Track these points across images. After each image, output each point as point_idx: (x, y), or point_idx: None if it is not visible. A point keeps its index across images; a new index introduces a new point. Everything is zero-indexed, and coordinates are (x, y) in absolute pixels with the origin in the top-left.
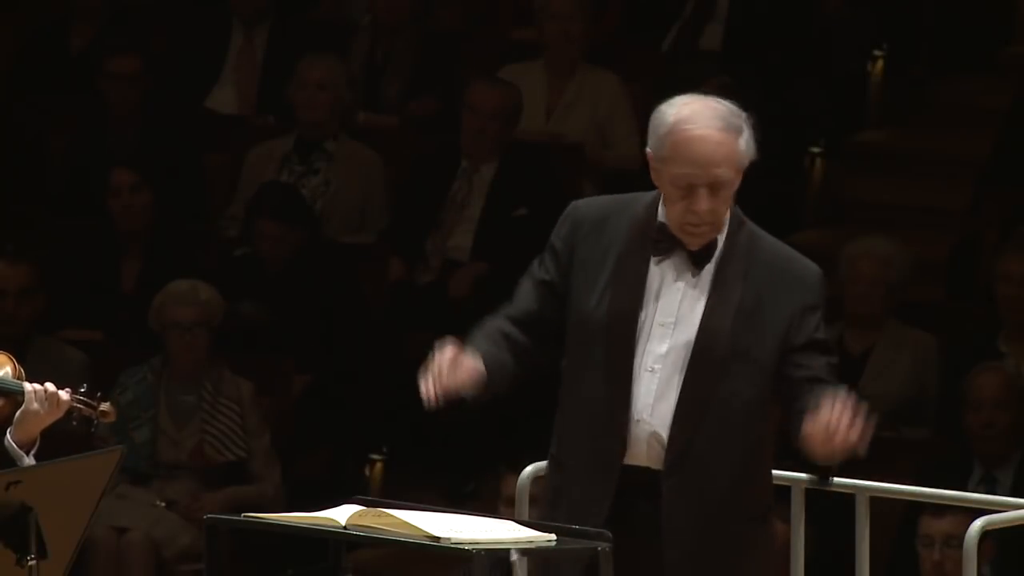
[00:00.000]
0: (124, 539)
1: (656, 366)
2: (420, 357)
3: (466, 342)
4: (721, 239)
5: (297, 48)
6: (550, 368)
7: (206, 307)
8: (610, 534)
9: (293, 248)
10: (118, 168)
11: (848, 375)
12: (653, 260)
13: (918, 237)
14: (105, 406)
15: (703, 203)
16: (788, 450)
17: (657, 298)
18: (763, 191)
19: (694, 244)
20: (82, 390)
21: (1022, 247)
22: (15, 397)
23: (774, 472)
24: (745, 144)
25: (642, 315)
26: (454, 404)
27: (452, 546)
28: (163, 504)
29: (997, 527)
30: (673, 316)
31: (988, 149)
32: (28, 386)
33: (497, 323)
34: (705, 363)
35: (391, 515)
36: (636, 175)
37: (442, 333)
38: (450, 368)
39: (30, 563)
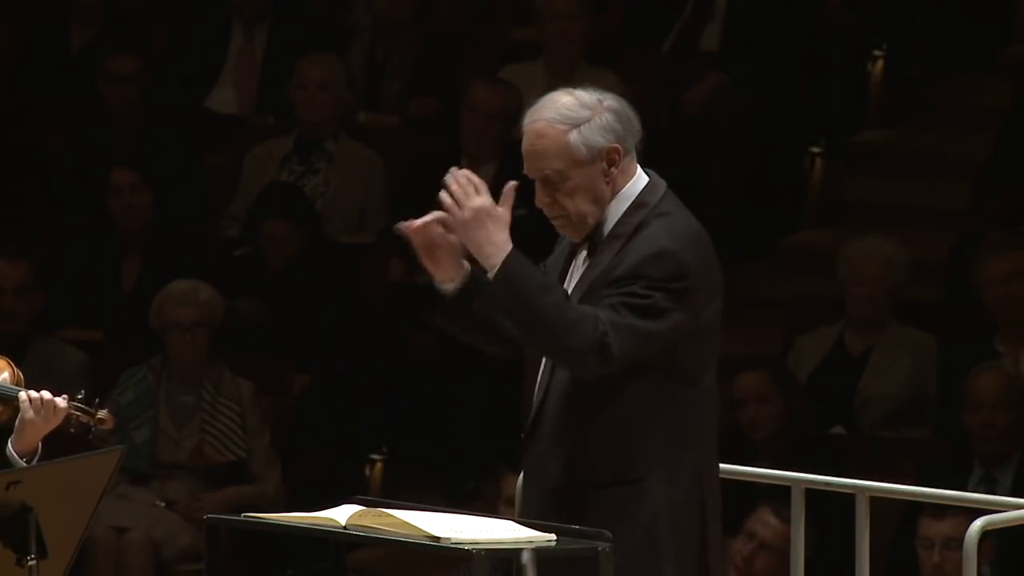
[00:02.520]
0: (124, 539)
1: None
2: (420, 357)
3: None
4: (610, 225)
5: (297, 48)
6: None
7: (206, 307)
8: (610, 534)
9: (297, 248)
10: (118, 168)
11: (848, 375)
12: (575, 258)
13: (918, 237)
14: (103, 413)
15: (538, 197)
16: (788, 449)
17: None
18: (763, 191)
19: (571, 237)
20: (79, 397)
21: (1000, 249)
22: (13, 403)
23: (773, 472)
24: (582, 136)
25: None
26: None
27: (452, 546)
28: (163, 504)
29: (997, 527)
30: None
31: (988, 149)
32: (24, 393)
33: None
34: None
35: (391, 515)
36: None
37: (442, 333)
38: (442, 225)
39: (30, 563)
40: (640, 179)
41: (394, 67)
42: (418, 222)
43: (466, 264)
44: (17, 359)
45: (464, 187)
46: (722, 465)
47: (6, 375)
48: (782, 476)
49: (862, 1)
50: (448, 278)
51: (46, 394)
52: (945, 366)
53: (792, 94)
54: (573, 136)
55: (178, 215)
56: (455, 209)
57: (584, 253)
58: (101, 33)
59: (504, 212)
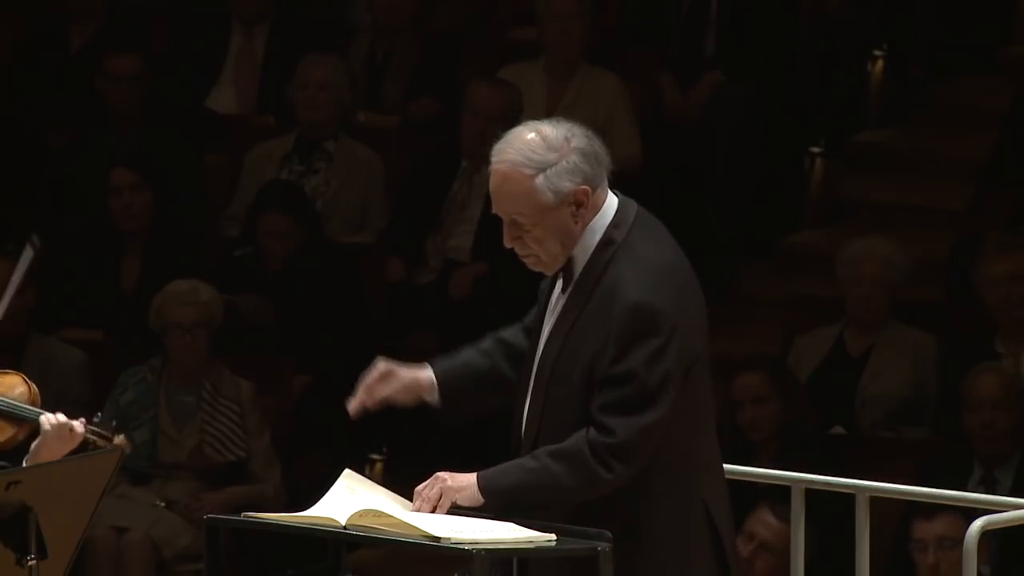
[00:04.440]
0: (124, 539)
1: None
2: (420, 357)
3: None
4: (581, 262)
5: (297, 48)
6: None
7: (206, 307)
8: (610, 534)
9: (296, 245)
10: (118, 168)
11: (848, 375)
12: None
13: (918, 237)
14: (119, 439)
15: (506, 238)
16: (788, 449)
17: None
18: (763, 191)
19: (545, 272)
20: (96, 420)
21: (1002, 249)
22: (30, 424)
23: (773, 472)
24: (549, 182)
25: (540, 344)
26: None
27: (452, 546)
28: (163, 504)
29: (997, 527)
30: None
31: (988, 149)
32: (44, 417)
33: (503, 331)
34: (538, 386)
35: (391, 515)
36: (637, 176)
37: (442, 333)
38: (378, 380)
39: (30, 563)
40: (608, 209)
41: (394, 67)
42: (356, 403)
43: (427, 373)
44: (16, 358)
45: (426, 501)
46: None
47: (22, 390)
48: (782, 476)
49: (862, 1)
50: (428, 395)
51: (62, 417)
52: (945, 366)
53: (792, 94)
54: (539, 181)
55: (178, 215)
56: (442, 503)
57: (559, 285)
58: (100, 33)
59: (442, 478)
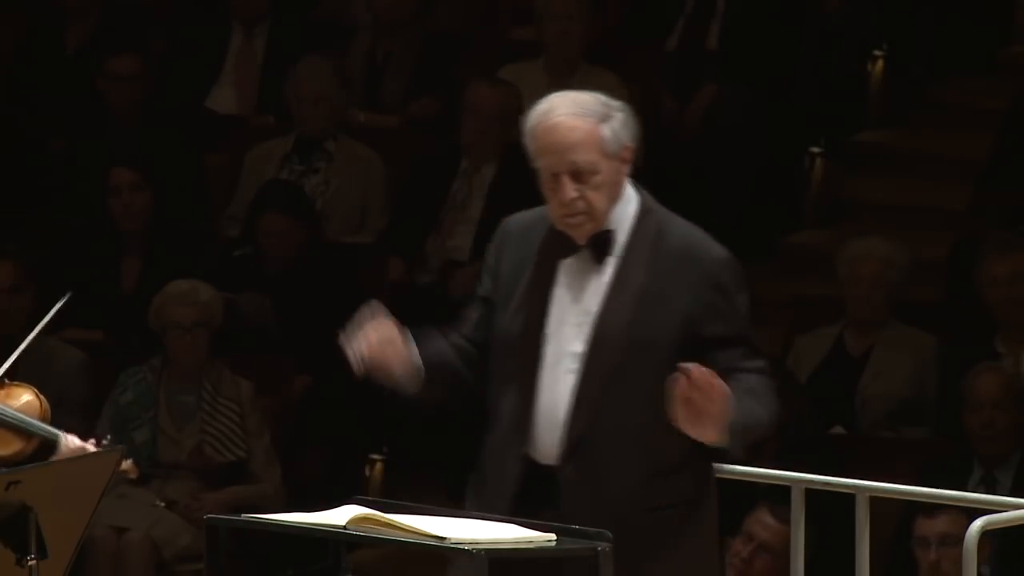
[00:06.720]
0: (124, 539)
1: (574, 366)
2: None
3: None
4: (623, 230)
5: (297, 48)
6: None
7: (206, 307)
8: (610, 534)
9: (296, 245)
10: (118, 168)
11: (848, 375)
12: (562, 264)
13: (918, 237)
14: (127, 464)
15: (567, 191)
16: (788, 450)
17: (570, 300)
18: (763, 191)
19: (579, 237)
20: (104, 442)
21: (1003, 249)
22: (38, 440)
23: (773, 472)
24: (611, 130)
25: (552, 321)
26: (383, 385)
27: (452, 546)
28: (163, 504)
29: (997, 527)
30: (585, 315)
31: (988, 149)
32: (63, 440)
33: (447, 336)
34: (601, 356)
35: (391, 519)
36: (637, 176)
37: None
38: (387, 345)
39: (30, 563)
40: (629, 184)
41: (394, 67)
42: (360, 366)
43: (418, 363)
44: (16, 359)
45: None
46: (722, 465)
47: (32, 405)
48: (782, 476)
49: (862, 1)
50: (407, 376)
51: (79, 441)
52: (945, 366)
53: (792, 94)
54: (604, 129)
55: (178, 215)
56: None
57: (586, 260)
58: (96, 33)
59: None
